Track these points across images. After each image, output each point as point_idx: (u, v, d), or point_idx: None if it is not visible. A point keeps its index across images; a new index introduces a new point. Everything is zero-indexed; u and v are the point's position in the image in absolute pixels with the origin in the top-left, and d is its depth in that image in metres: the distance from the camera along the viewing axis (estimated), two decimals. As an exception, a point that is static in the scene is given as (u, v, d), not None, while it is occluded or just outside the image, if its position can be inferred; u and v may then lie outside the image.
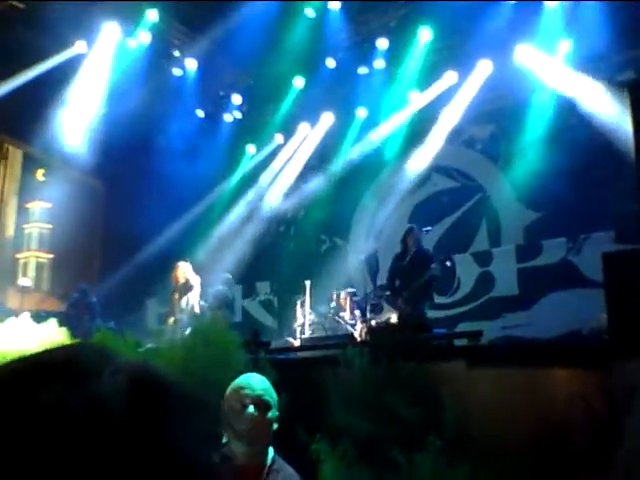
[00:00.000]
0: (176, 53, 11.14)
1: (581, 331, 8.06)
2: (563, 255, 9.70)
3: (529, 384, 4.47)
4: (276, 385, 2.71)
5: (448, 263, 8.44)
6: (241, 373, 4.53)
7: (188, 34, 11.01)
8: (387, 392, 4.24)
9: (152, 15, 10.25)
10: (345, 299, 9.19)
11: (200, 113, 12.55)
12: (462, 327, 7.91)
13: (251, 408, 2.48)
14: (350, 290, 9.43)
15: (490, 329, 8.58)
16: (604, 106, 9.44)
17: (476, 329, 7.44)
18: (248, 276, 12.46)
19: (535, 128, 10.04)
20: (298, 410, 3.48)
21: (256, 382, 2.60)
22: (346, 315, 8.93)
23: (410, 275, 7.86)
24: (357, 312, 8.96)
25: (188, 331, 6.96)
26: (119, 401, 0.61)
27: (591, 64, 9.57)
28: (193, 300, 8.59)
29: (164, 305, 9.40)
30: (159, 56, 11.07)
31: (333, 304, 9.24)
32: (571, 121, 9.65)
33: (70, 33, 10.31)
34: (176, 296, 8.72)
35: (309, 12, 10.14)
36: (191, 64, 11.41)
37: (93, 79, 10.83)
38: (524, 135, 10.14)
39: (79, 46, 10.59)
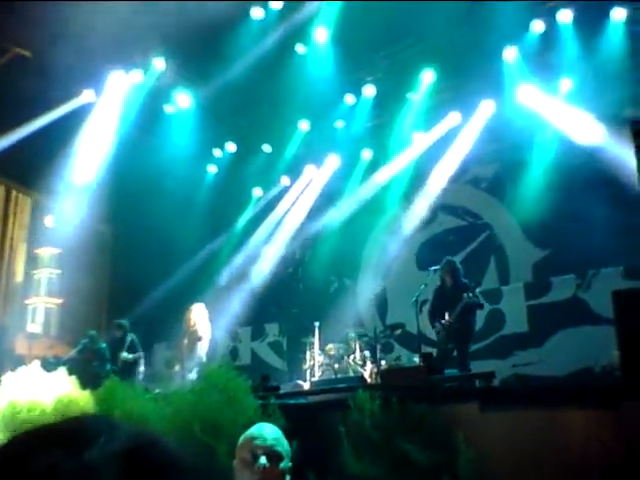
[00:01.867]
0: (182, 100, 11.30)
1: (593, 369, 7.97)
2: (573, 292, 9.65)
3: (544, 426, 4.41)
4: (286, 431, 2.69)
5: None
6: (251, 418, 4.50)
7: (193, 81, 11.18)
8: (399, 436, 4.18)
9: (159, 64, 10.44)
10: (354, 339, 9.15)
11: (207, 158, 12.67)
12: (473, 366, 7.81)
13: (263, 459, 2.46)
14: (359, 330, 9.38)
15: (501, 367, 8.49)
16: (607, 142, 9.50)
17: (487, 368, 7.38)
18: (257, 318, 12.42)
19: (539, 166, 10.09)
20: (309, 456, 3.44)
21: (268, 432, 2.58)
22: (356, 356, 8.87)
23: (449, 307, 7.86)
24: (367, 352, 8.90)
25: (196, 376, 6.92)
26: (110, 468, 0.63)
27: (592, 101, 9.65)
28: (202, 346, 8.53)
29: (172, 349, 9.37)
30: (165, 103, 11.25)
31: (342, 345, 9.18)
32: (575, 158, 9.69)
33: (77, 82, 10.48)
34: (185, 341, 8.68)
35: (312, 59, 10.28)
36: (197, 110, 11.55)
37: (101, 126, 10.99)
38: (529, 173, 10.18)
39: (87, 95, 10.77)
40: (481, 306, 8.21)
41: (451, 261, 8.44)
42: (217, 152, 12.66)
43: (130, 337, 9.48)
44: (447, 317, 7.89)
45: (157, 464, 0.67)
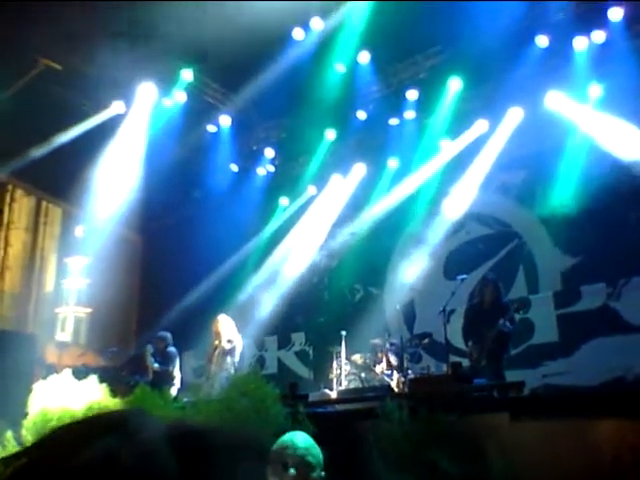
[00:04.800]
0: (210, 110, 11.41)
1: (625, 378, 7.84)
2: (603, 300, 9.50)
3: (575, 436, 4.35)
4: (315, 439, 2.68)
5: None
6: (280, 426, 4.49)
7: (221, 92, 11.29)
8: (428, 446, 4.15)
9: (187, 75, 10.56)
10: (381, 349, 9.10)
11: (234, 167, 12.76)
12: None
13: (292, 470, 2.44)
14: (386, 340, 9.34)
15: (531, 377, 8.39)
16: (638, 148, 9.36)
17: (517, 378, 7.30)
18: (283, 327, 12.43)
19: (569, 173, 9.96)
20: (338, 465, 3.42)
21: (299, 441, 2.55)
22: (383, 365, 8.83)
23: (486, 325, 7.80)
24: (394, 361, 8.85)
25: (225, 385, 6.94)
26: (165, 452, 0.67)
27: (622, 107, 9.52)
28: (232, 356, 8.54)
29: (201, 358, 9.38)
30: (194, 114, 11.34)
31: (368, 354, 9.15)
32: (605, 165, 9.56)
33: (108, 93, 10.65)
34: (213, 351, 8.69)
35: (339, 67, 10.33)
36: (225, 120, 11.68)
37: (131, 137, 11.12)
38: (558, 181, 10.05)
39: (117, 106, 10.92)
40: (510, 335, 8.08)
41: (494, 279, 8.36)
42: (244, 162, 12.75)
43: (167, 350, 9.28)
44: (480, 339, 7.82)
45: (205, 444, 0.71)
